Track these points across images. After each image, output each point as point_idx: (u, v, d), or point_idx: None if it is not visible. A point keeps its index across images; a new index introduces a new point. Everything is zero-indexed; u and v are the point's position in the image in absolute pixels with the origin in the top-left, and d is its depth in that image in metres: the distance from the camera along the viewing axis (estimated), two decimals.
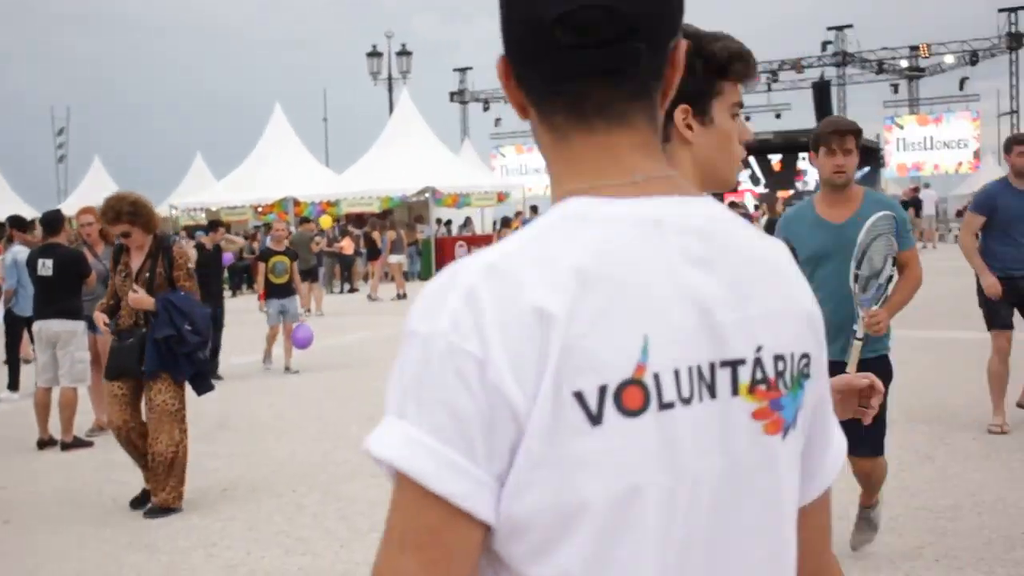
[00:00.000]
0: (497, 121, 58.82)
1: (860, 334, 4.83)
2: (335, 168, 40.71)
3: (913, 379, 9.89)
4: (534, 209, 31.33)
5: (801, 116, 53.05)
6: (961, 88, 51.70)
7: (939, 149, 50.26)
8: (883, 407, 2.82)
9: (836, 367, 5.06)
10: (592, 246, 1.19)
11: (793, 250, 5.32)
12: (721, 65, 2.23)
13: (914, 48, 49.13)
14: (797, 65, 48.53)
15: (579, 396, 1.14)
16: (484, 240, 35.76)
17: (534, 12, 1.25)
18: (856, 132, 5.43)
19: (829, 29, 50.78)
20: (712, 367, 1.23)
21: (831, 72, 51.52)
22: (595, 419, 1.15)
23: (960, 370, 11.09)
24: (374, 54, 45.96)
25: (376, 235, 27.97)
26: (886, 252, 4.84)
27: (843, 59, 50.41)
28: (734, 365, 1.24)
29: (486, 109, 58.11)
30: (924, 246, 35.08)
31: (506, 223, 27.90)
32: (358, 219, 33.84)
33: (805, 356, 1.33)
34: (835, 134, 5.37)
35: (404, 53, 46.50)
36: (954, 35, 74.88)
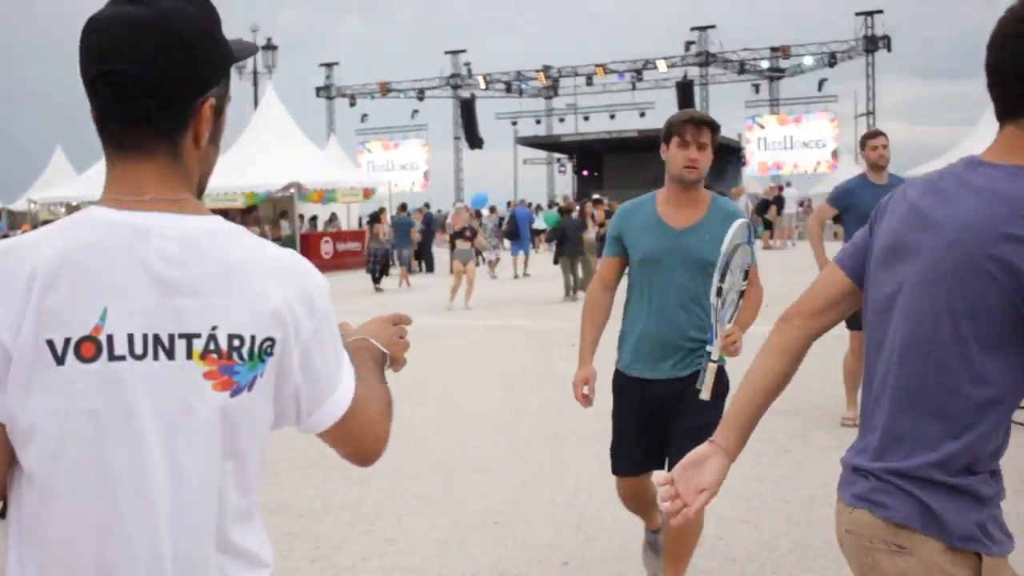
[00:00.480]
0: (364, 117, 58.66)
1: (716, 356, 4.46)
2: None
3: None
4: (403, 207, 30.82)
5: (665, 115, 53.62)
6: (820, 89, 53.27)
7: (798, 148, 51.67)
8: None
9: (666, 385, 4.81)
10: (80, 240, 1.70)
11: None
12: None
13: (775, 49, 50.31)
14: None
15: (50, 343, 1.66)
16: (351, 236, 35.41)
17: (83, 73, 1.75)
18: (713, 126, 4.80)
19: (692, 29, 51.72)
20: (171, 337, 1.71)
21: (694, 72, 52.52)
22: (59, 361, 1.66)
23: (818, 365, 11.31)
24: None
25: None
26: (743, 264, 4.52)
27: (706, 59, 51.42)
28: (190, 337, 1.72)
29: (352, 105, 57.92)
30: (785, 244, 35.86)
31: (375, 219, 27.56)
32: (223, 215, 33.04)
33: (269, 339, 1.76)
34: (690, 123, 4.73)
35: (269, 47, 46.03)
36: (813, 37, 76.90)
